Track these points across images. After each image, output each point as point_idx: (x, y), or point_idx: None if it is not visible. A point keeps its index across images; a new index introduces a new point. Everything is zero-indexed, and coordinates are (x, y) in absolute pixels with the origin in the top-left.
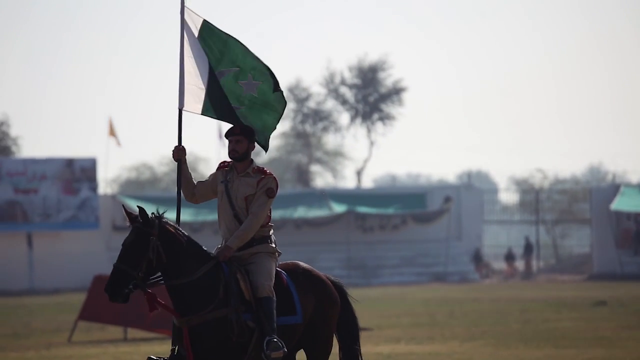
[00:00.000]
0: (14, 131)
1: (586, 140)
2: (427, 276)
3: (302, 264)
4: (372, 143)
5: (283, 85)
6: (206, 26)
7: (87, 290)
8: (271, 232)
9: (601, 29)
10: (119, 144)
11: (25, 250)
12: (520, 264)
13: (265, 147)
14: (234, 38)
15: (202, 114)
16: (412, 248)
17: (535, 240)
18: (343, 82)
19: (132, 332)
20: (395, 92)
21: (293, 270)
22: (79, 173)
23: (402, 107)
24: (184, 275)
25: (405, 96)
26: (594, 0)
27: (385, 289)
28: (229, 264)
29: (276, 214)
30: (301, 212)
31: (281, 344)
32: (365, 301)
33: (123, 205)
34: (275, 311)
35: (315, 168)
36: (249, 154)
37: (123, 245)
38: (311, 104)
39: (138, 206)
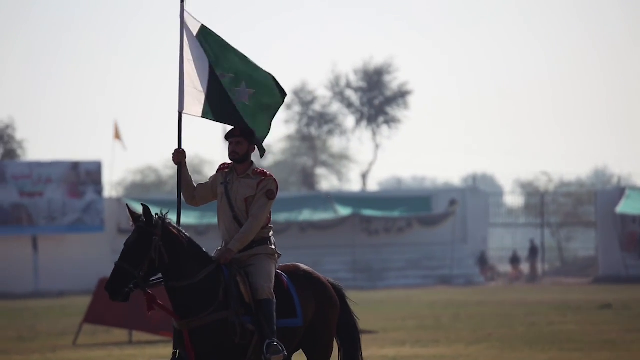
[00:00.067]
0: (19, 134)
1: (591, 143)
2: (432, 279)
3: (302, 266)
4: (377, 146)
5: (288, 89)
6: (204, 31)
7: (92, 293)
8: (271, 233)
9: (608, 34)
10: (125, 148)
11: (31, 254)
12: (525, 267)
13: (261, 153)
14: (231, 45)
15: (202, 116)
16: (417, 251)
17: (540, 243)
18: (348, 85)
19: (137, 335)
20: (401, 95)
21: (293, 272)
22: (84, 176)
23: (408, 110)
24: (185, 278)
25: (411, 99)
26: (600, 4)
27: (390, 291)
28: (229, 267)
29: (281, 216)
30: (306, 215)
31: (281, 347)
32: (370, 304)
33: (127, 205)
34: (275, 314)
35: (320, 171)
36: (249, 156)
37: (125, 244)
38: (317, 107)
39: (142, 204)
